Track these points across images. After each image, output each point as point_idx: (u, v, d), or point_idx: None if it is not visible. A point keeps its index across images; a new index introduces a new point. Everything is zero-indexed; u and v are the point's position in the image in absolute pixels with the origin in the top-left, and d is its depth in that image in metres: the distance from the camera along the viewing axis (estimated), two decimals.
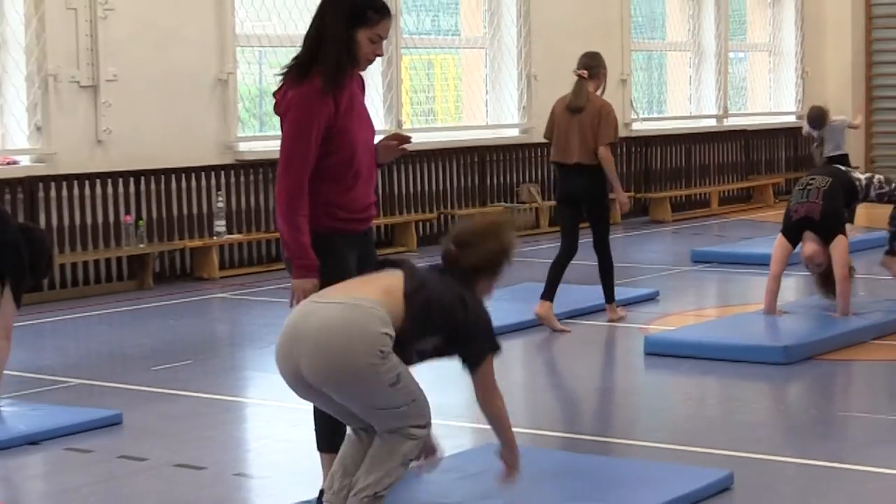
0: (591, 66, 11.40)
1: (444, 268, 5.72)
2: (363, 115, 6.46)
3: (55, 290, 12.89)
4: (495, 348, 5.74)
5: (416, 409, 5.51)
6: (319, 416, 6.19)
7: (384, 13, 6.26)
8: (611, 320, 11.19)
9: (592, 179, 10.95)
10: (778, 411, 8.49)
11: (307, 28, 6.27)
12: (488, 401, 5.78)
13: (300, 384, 5.48)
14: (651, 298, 12.07)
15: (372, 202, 6.38)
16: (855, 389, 9.00)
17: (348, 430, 5.77)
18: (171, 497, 6.64)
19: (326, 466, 6.22)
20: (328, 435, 6.28)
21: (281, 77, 6.32)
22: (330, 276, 5.90)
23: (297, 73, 6.20)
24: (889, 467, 6.89)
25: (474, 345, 5.68)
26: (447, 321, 5.54)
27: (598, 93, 11.22)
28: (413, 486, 6.59)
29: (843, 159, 16.21)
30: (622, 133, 18.68)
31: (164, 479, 6.96)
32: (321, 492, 6.09)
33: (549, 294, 10.93)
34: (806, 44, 23.16)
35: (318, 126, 6.10)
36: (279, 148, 6.28)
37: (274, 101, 6.42)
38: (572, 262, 10.90)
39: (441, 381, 8.77)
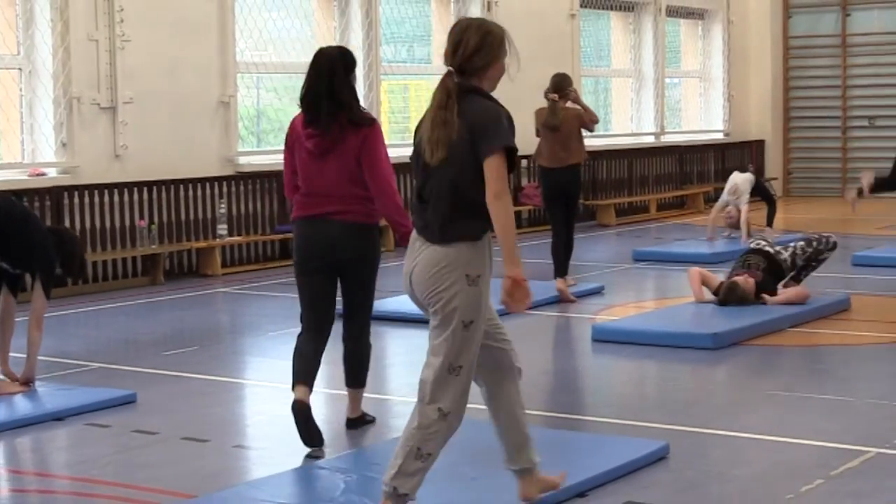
0: (561, 86, 11.96)
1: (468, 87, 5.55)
2: None
3: (78, 286, 12.87)
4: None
5: None
6: None
7: None
8: (560, 289, 11.61)
9: (576, 176, 11.92)
10: (708, 390, 8.50)
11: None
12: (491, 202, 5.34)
13: None
14: (598, 292, 12.10)
15: None
16: (774, 371, 9.01)
17: None
18: (178, 466, 6.61)
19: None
20: None
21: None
22: None
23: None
24: (804, 438, 6.93)
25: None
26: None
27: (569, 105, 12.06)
28: (389, 455, 6.58)
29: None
30: None
31: (172, 450, 6.94)
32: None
33: (562, 271, 11.78)
34: (732, 71, 23.23)
35: None
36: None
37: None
38: (525, 260, 10.94)
39: (411, 361, 8.78)
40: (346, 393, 7.40)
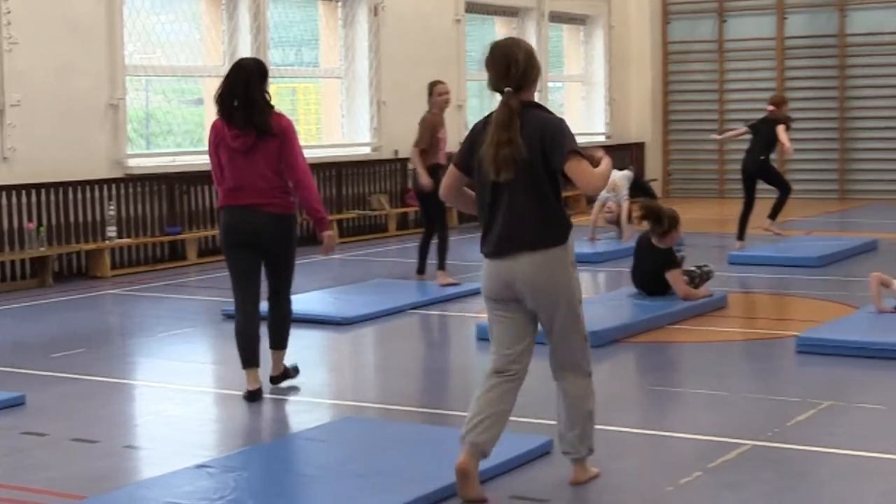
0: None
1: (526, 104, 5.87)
2: None
3: None
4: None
5: None
6: None
7: None
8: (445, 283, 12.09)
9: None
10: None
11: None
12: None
13: None
14: (475, 292, 12.10)
15: None
16: (653, 367, 9.11)
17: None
18: (68, 467, 6.54)
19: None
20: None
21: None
22: None
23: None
24: (682, 432, 7.01)
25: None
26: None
27: None
28: (279, 453, 6.56)
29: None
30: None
31: (62, 451, 6.86)
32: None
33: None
34: (613, 75, 23.44)
35: None
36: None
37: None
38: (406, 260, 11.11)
39: (303, 361, 8.77)
40: (236, 394, 7.76)
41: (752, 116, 22.84)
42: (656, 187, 22.04)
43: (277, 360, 8.22)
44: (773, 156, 15.36)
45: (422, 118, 12.46)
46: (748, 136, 15.32)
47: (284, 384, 8.24)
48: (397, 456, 6.43)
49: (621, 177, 15.65)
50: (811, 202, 21.43)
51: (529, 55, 5.92)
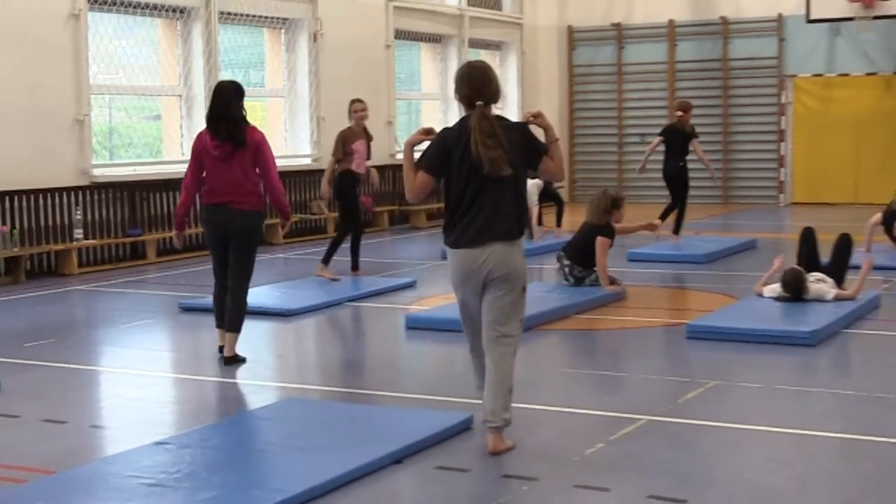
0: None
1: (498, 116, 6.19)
2: None
3: None
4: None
5: None
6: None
7: None
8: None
9: None
10: None
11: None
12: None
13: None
14: (410, 286, 12.12)
15: None
16: (564, 351, 9.16)
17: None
18: (39, 445, 6.48)
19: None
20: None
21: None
22: None
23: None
24: (588, 409, 7.04)
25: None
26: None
27: None
28: (230, 430, 6.53)
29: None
30: (388, 161, 18.84)
31: (34, 431, 6.79)
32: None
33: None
34: (524, 95, 23.49)
35: None
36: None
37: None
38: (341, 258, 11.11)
39: (252, 348, 8.72)
40: (191, 378, 7.85)
41: (646, 131, 23.18)
42: (564, 193, 22.14)
43: (231, 341, 8.50)
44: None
45: (339, 132, 12.68)
46: (661, 148, 15.36)
47: (231, 367, 8.39)
48: (335, 432, 6.42)
49: (532, 185, 15.66)
50: (699, 206, 21.58)
51: (497, 78, 6.26)
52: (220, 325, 8.66)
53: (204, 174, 8.49)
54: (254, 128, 8.57)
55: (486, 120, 6.03)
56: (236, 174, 8.35)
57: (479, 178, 6.04)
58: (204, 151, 8.43)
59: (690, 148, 15.33)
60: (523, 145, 6.14)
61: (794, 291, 9.99)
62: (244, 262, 8.52)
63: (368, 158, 12.67)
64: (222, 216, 8.42)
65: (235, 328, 8.50)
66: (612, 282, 11.25)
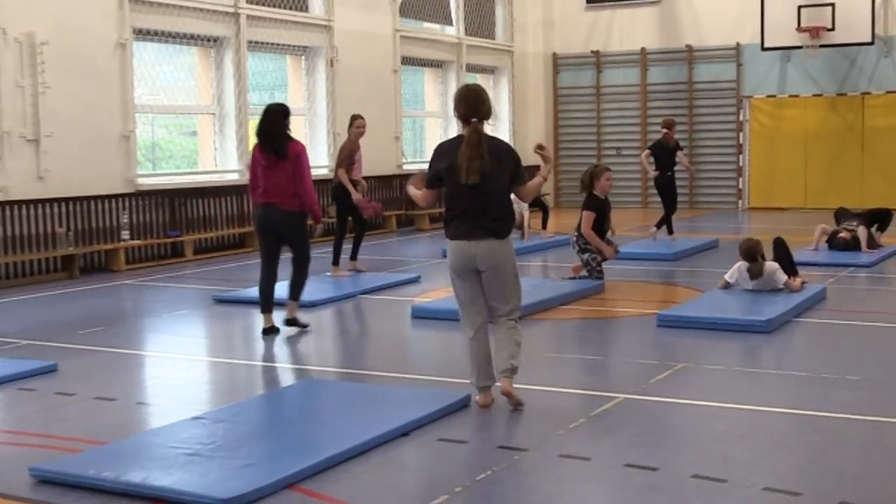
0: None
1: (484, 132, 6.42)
2: None
3: (9, 279, 12.64)
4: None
5: None
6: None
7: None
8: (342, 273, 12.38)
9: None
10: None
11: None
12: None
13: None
14: (415, 280, 12.14)
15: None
16: (550, 338, 9.15)
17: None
18: (92, 419, 6.49)
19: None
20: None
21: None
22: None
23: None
24: (571, 388, 7.06)
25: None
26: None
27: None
28: (259, 407, 6.53)
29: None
30: (395, 171, 18.85)
31: (87, 407, 6.80)
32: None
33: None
34: (515, 113, 23.53)
35: None
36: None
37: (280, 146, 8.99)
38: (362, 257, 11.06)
39: (276, 339, 8.73)
40: (224, 361, 7.78)
41: (621, 145, 23.21)
42: (550, 199, 22.18)
43: (293, 308, 9.24)
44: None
45: (342, 145, 12.79)
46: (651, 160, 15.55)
47: (291, 328, 9.17)
48: (350, 409, 6.42)
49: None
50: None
51: (489, 99, 6.52)
52: (266, 311, 9.12)
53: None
54: (296, 142, 9.18)
55: (476, 134, 6.31)
56: (280, 180, 8.92)
57: (470, 186, 6.34)
58: (256, 161, 9.09)
59: (676, 160, 15.50)
60: (504, 163, 6.42)
61: (750, 258, 10.24)
62: (299, 252, 9.20)
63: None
64: (269, 214, 8.99)
65: (297, 297, 9.28)
66: (609, 243, 11.40)
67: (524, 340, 6.78)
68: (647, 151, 15.73)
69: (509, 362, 6.51)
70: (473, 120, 6.32)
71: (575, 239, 11.59)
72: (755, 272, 10.20)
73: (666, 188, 15.47)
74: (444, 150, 6.52)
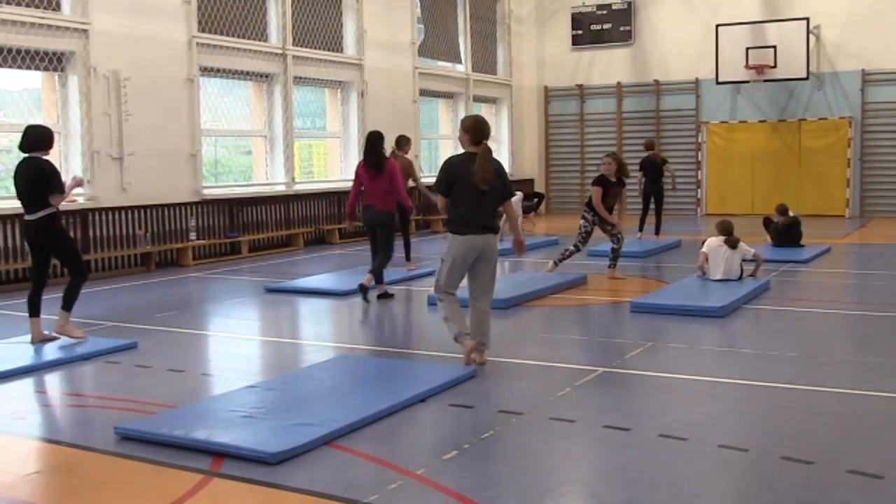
0: (399, 143, 13.16)
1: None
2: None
3: (98, 272, 12.65)
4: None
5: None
6: None
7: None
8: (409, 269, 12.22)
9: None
10: (500, 334, 8.53)
11: None
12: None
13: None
14: (431, 273, 11.93)
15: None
16: (541, 321, 9.13)
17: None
18: (166, 387, 6.50)
19: None
20: None
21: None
22: None
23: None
24: (559, 362, 7.03)
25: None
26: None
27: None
28: (302, 377, 6.52)
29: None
30: (412, 185, 18.85)
31: (161, 377, 6.81)
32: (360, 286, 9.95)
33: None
34: (513, 136, 23.48)
35: None
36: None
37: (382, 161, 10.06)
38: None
39: (316, 320, 8.70)
40: (272, 340, 7.67)
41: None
42: (542, 206, 22.13)
43: (369, 278, 10.15)
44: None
45: (408, 162, 12.86)
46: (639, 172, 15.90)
47: (383, 300, 10.12)
48: (377, 379, 6.43)
49: (516, 200, 15.64)
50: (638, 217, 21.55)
51: (489, 125, 6.93)
52: (378, 282, 10.18)
53: (362, 188, 10.13)
54: (390, 159, 10.23)
55: (489, 153, 6.75)
56: (378, 188, 9.98)
57: (477, 191, 6.69)
58: (361, 174, 10.11)
59: (666, 172, 15.86)
60: (500, 178, 6.80)
61: (727, 232, 10.50)
62: (384, 242, 10.07)
63: None
64: (369, 213, 10.05)
65: (379, 280, 10.18)
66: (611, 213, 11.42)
67: (520, 324, 6.86)
68: (641, 171, 15.91)
69: (487, 340, 6.97)
70: (485, 142, 6.75)
71: (586, 210, 11.43)
72: (732, 243, 10.42)
73: (657, 196, 15.78)
74: (456, 164, 6.82)
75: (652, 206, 15.90)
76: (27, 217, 7.75)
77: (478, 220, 6.75)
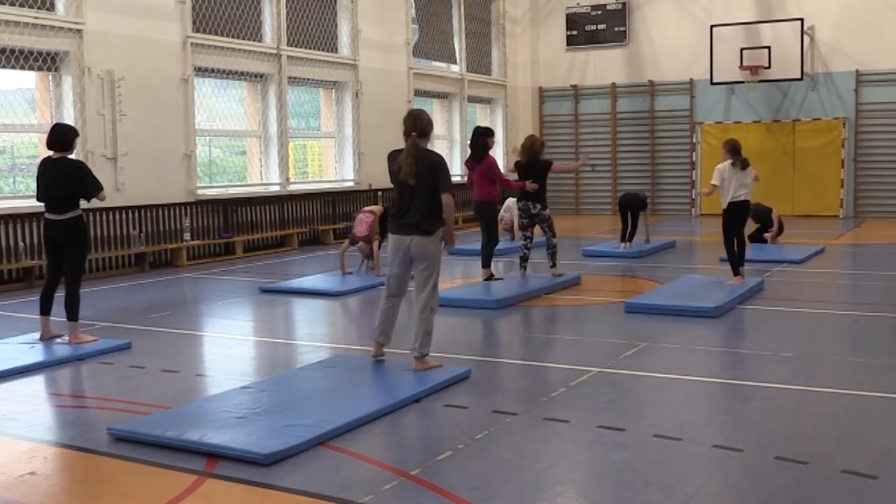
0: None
1: (421, 145, 6.60)
2: None
3: (92, 273, 12.62)
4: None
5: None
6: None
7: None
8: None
9: None
10: (493, 335, 8.58)
11: None
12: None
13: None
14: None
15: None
16: (534, 322, 9.14)
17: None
18: (160, 387, 6.49)
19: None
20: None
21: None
22: None
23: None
24: (552, 363, 7.03)
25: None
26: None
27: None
28: (296, 378, 6.51)
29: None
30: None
31: (155, 378, 6.80)
32: None
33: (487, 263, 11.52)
34: (508, 135, 23.47)
35: None
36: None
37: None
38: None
39: (311, 320, 8.69)
40: (266, 340, 7.37)
41: (596, 162, 23.15)
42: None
43: (486, 273, 10.89)
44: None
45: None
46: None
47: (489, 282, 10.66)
48: (371, 379, 6.43)
49: (514, 202, 15.63)
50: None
51: (428, 120, 6.67)
52: (485, 266, 10.88)
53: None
54: (488, 154, 10.76)
55: (413, 146, 6.56)
56: (479, 179, 10.72)
57: (404, 185, 6.57)
58: (470, 168, 10.85)
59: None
60: (430, 171, 6.50)
61: (736, 152, 10.41)
62: (485, 230, 10.91)
63: None
64: (475, 205, 10.90)
65: (486, 265, 10.86)
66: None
67: (513, 324, 6.83)
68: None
69: (419, 349, 6.64)
70: (413, 134, 6.57)
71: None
72: (744, 163, 10.35)
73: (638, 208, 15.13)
74: (392, 157, 6.78)
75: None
76: (54, 216, 7.76)
77: (403, 219, 6.57)
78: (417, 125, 6.57)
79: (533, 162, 11.00)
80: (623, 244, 14.51)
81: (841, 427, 5.35)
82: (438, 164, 6.54)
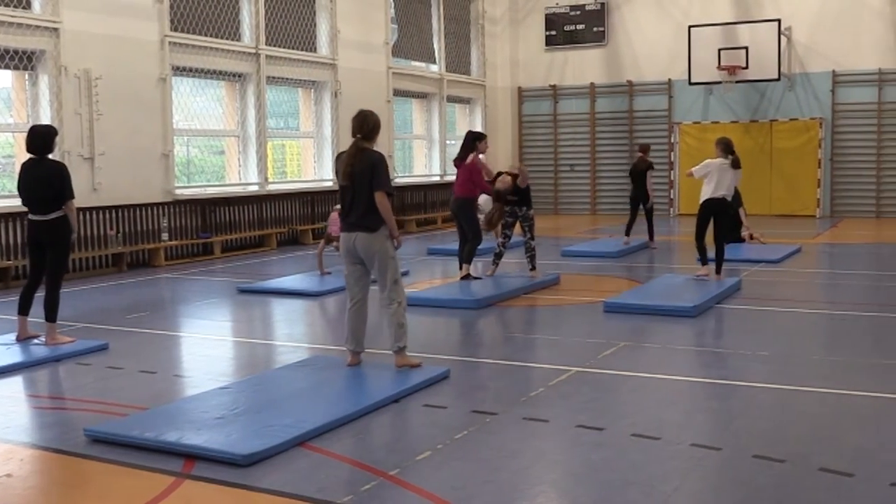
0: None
1: (364, 147, 6.61)
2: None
3: (69, 273, 12.54)
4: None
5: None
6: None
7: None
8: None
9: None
10: (473, 335, 8.58)
11: None
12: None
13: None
14: (406, 273, 11.92)
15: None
16: (514, 322, 9.15)
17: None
18: (137, 389, 6.45)
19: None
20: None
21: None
22: None
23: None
24: (532, 362, 7.04)
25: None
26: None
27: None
28: (275, 378, 6.49)
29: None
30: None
31: (132, 379, 6.76)
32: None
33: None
34: (490, 135, 23.45)
35: None
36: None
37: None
38: None
39: (289, 320, 8.65)
40: (245, 340, 7.35)
41: (574, 163, 23.20)
42: None
43: (466, 269, 10.95)
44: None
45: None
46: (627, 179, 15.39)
47: (465, 281, 10.77)
48: (350, 380, 6.41)
49: (484, 200, 15.55)
50: (614, 216, 21.66)
51: (375, 123, 6.69)
52: (466, 262, 10.92)
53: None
54: (475, 155, 11.05)
55: (354, 147, 6.60)
56: (461, 178, 10.96)
57: (344, 186, 6.61)
58: (455, 165, 11.16)
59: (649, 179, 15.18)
60: (367, 172, 6.49)
61: (730, 151, 10.58)
62: (465, 225, 11.02)
63: None
64: (454, 202, 11.04)
65: (468, 261, 10.93)
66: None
67: (492, 324, 6.80)
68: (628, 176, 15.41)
69: (396, 343, 6.70)
70: (358, 136, 6.60)
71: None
72: (736, 163, 10.55)
73: (645, 201, 14.94)
74: (337, 159, 6.92)
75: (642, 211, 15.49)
76: (38, 217, 7.74)
77: (347, 217, 6.65)
78: (363, 128, 6.62)
79: (514, 192, 10.98)
80: (625, 240, 14.60)
81: (818, 425, 5.38)
82: (376, 163, 6.53)
